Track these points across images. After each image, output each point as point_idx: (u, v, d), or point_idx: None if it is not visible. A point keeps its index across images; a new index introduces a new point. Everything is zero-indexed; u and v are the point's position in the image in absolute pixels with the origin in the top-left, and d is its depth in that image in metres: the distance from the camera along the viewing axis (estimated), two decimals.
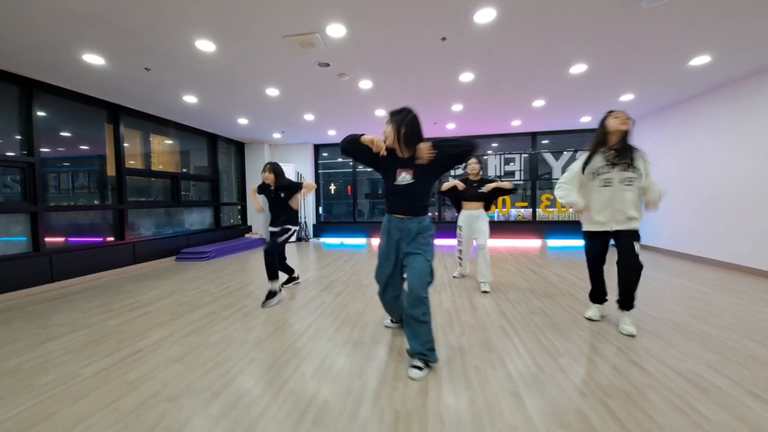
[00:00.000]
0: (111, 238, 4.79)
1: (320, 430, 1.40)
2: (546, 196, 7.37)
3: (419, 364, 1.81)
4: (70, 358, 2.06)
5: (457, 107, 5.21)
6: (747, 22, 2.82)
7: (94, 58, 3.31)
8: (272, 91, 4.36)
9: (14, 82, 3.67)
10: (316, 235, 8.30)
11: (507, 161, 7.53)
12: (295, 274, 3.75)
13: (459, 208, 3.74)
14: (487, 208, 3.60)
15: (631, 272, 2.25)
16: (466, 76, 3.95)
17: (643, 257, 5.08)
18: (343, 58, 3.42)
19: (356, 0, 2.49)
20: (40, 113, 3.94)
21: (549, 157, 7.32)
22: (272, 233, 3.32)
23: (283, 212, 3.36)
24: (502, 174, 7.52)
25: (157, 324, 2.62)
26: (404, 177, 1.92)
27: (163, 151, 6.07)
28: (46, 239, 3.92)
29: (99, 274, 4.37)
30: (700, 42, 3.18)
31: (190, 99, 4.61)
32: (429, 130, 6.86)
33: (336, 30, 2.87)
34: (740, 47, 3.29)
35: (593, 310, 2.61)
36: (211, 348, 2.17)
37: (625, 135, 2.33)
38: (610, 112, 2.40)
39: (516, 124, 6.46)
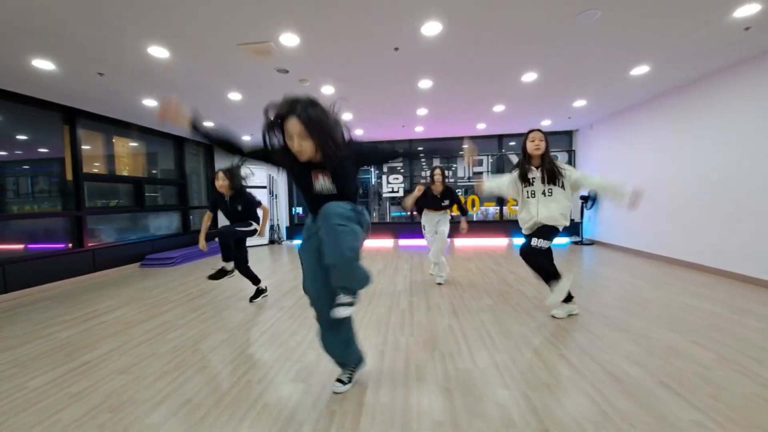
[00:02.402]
0: (70, 244, 4.66)
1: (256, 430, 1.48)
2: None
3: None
4: (15, 372, 2.05)
5: (422, 111, 5.34)
6: (681, 35, 3.04)
7: (44, 63, 3.23)
8: (234, 96, 4.35)
9: None
10: (290, 237, 8.28)
11: (476, 162, 7.77)
12: (262, 285, 3.46)
13: (420, 212, 3.91)
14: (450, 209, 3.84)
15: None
16: (425, 83, 4.08)
17: (597, 253, 5.45)
18: (301, 65, 3.48)
19: (305, 12, 2.55)
20: None
21: (514, 158, 7.60)
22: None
23: (241, 221, 3.24)
24: (471, 175, 7.75)
25: (109, 334, 2.62)
26: (323, 184, 1.57)
27: (127, 153, 5.92)
28: (1, 247, 3.79)
29: (57, 283, 4.26)
30: (638, 53, 3.42)
31: (150, 103, 4.53)
32: (397, 133, 7.00)
33: (290, 39, 2.93)
34: (676, 58, 3.55)
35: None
36: (162, 357, 2.20)
37: (543, 156, 2.58)
38: (529, 133, 2.63)
39: (481, 127, 6.68)
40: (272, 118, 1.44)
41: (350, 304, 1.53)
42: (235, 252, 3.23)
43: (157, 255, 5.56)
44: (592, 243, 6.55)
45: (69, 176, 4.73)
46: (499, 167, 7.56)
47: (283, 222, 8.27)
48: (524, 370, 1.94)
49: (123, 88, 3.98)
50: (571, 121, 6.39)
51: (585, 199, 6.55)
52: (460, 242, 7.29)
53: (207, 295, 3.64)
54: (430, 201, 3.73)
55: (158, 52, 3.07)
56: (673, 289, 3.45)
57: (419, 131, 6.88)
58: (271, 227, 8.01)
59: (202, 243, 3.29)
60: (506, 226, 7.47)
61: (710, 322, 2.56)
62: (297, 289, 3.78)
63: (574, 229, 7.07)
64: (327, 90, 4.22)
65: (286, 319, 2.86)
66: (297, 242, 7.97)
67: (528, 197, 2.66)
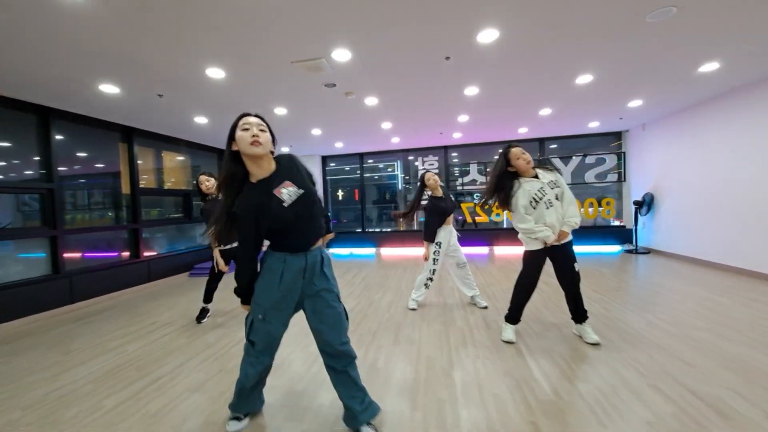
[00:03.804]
0: (126, 254, 4.89)
1: None
2: None
3: (371, 430, 1.57)
4: (92, 389, 2.11)
5: (462, 118, 5.21)
6: (757, 28, 2.78)
7: (109, 88, 3.41)
8: (280, 110, 4.43)
9: (31, 111, 3.79)
10: (326, 245, 8.33)
11: None
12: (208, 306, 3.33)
13: (440, 225, 3.30)
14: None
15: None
16: (471, 90, 3.96)
17: (656, 264, 5.04)
18: (349, 78, 3.47)
19: (360, 27, 2.53)
20: (58, 137, 4.07)
21: (558, 162, 7.26)
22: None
23: None
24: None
25: (174, 348, 2.67)
26: (289, 190, 1.43)
27: (174, 167, 6.20)
28: (65, 255, 4.03)
29: (116, 293, 4.47)
30: (708, 50, 3.15)
31: (201, 120, 4.71)
32: (434, 140, 6.90)
33: (341, 54, 2.92)
34: (750, 54, 3.25)
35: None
36: (231, 373, 2.20)
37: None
38: (510, 149, 2.48)
39: (523, 131, 6.44)
40: (231, 127, 1.43)
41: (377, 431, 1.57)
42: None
43: (204, 264, 5.74)
44: (647, 252, 6.09)
45: (125, 190, 5.00)
46: None
47: None
48: (616, 403, 1.76)
49: (178, 107, 4.15)
50: (622, 122, 6.02)
51: (639, 204, 6.12)
52: (500, 250, 7.04)
53: None
54: (441, 208, 3.24)
55: (215, 72, 3.16)
56: (762, 306, 3.09)
57: (457, 137, 6.74)
58: None
59: (221, 263, 3.09)
60: None
61: None
62: (345, 302, 3.72)
63: (626, 236, 6.63)
64: (371, 101, 4.21)
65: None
66: (332, 251, 8.01)
67: (547, 208, 2.41)
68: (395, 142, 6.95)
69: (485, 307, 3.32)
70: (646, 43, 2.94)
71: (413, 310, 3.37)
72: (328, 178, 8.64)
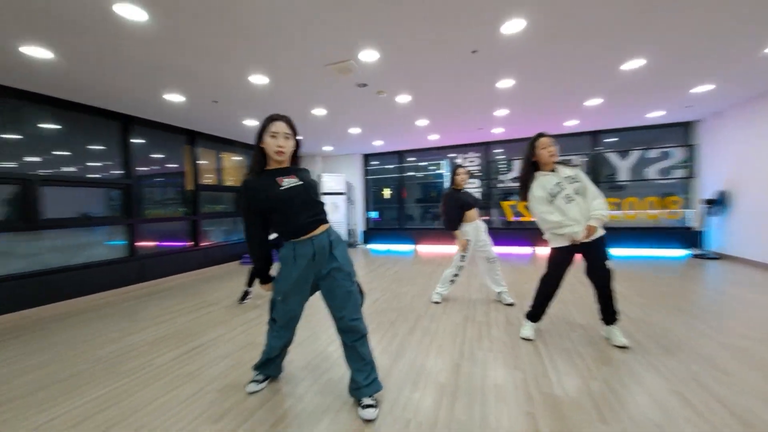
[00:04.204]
0: (189, 243, 5.57)
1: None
2: (611, 200, 6.70)
3: (371, 402, 1.67)
4: (147, 349, 2.51)
5: (501, 112, 5.06)
6: None
7: (174, 97, 3.94)
8: (319, 111, 4.71)
9: (116, 118, 4.51)
10: (366, 241, 8.59)
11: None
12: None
13: (460, 220, 3.33)
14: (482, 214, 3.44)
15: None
16: (506, 83, 3.85)
17: (728, 270, 4.42)
18: (379, 77, 3.60)
19: (385, 28, 2.64)
20: (136, 141, 4.78)
21: (613, 156, 6.66)
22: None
23: None
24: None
25: (217, 323, 3.03)
26: (289, 181, 1.67)
27: (231, 166, 6.88)
28: (140, 243, 4.73)
29: (178, 276, 5.12)
30: None
31: (250, 122, 5.19)
32: (474, 136, 6.75)
33: (369, 55, 3.05)
34: None
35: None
36: (258, 347, 2.44)
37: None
38: (539, 139, 2.44)
39: (571, 125, 6.03)
40: (261, 127, 1.72)
41: (375, 406, 1.66)
42: None
43: None
44: (718, 257, 5.35)
45: (189, 186, 5.68)
46: (595, 168, 6.70)
47: (360, 226, 8.62)
48: (627, 404, 1.66)
49: (230, 112, 4.63)
50: (691, 111, 5.36)
51: (711, 203, 5.40)
52: (542, 251, 6.67)
53: None
54: (462, 201, 3.28)
55: (258, 79, 3.50)
56: None
57: (498, 133, 6.53)
58: (348, 231, 8.44)
59: None
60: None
61: None
62: (372, 293, 3.87)
63: (694, 239, 5.88)
64: (403, 99, 4.29)
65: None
66: (371, 246, 8.23)
67: (567, 203, 2.30)
68: (434, 139, 6.94)
69: (511, 304, 3.24)
70: (707, 16, 2.63)
71: (436, 303, 3.40)
72: (368, 177, 8.86)
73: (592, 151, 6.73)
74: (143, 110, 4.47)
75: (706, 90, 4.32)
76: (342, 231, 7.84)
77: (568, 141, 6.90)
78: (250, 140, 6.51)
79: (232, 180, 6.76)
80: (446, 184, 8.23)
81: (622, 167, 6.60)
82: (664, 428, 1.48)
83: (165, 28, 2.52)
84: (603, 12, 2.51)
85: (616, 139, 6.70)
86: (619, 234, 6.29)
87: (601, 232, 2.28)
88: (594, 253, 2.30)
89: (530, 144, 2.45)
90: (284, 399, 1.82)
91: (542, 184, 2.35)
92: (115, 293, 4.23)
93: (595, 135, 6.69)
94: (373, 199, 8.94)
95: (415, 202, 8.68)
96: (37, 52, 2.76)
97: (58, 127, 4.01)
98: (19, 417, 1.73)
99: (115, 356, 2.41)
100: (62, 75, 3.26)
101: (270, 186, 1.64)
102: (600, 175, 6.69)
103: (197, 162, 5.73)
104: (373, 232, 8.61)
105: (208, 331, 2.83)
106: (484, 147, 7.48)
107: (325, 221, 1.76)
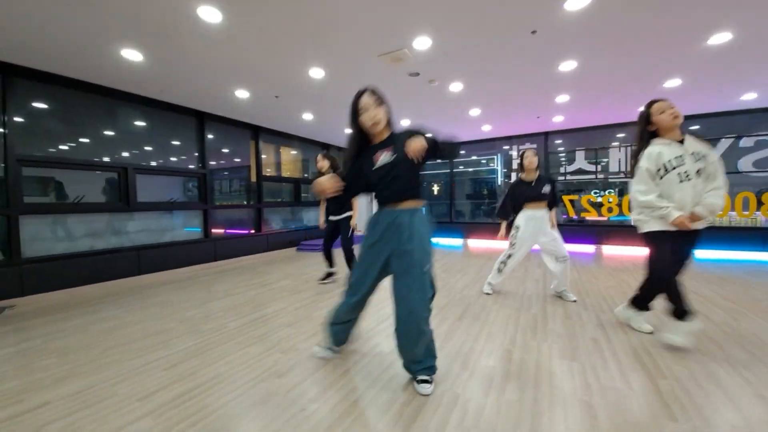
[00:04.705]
0: (252, 231, 6.10)
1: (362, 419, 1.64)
2: None
3: (426, 377, 1.68)
4: (222, 315, 2.84)
5: (562, 98, 4.77)
6: None
7: (242, 93, 4.34)
8: None
9: (192, 114, 5.07)
10: None
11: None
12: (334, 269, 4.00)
13: (515, 210, 3.22)
14: (550, 207, 3.15)
15: None
16: (568, 65, 3.63)
17: None
18: (432, 66, 3.61)
19: (439, 13, 2.65)
20: (209, 135, 5.34)
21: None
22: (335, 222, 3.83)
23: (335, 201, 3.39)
24: (628, 169, 6.42)
25: (278, 298, 3.32)
26: (384, 158, 1.68)
27: (289, 159, 7.36)
28: (213, 229, 5.29)
29: (244, 257, 5.64)
30: None
31: (307, 116, 5.50)
32: (532, 125, 6.42)
33: (422, 42, 3.08)
34: None
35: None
36: (314, 320, 2.66)
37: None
38: (655, 103, 2.09)
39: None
40: (351, 109, 1.75)
41: (429, 382, 1.67)
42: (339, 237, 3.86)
43: (309, 242, 6.69)
44: None
45: (253, 178, 6.20)
46: None
47: None
48: (701, 403, 1.52)
49: (290, 106, 4.96)
50: None
51: None
52: (608, 250, 6.16)
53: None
54: (525, 190, 3.11)
55: (316, 72, 3.71)
56: None
57: (558, 121, 6.14)
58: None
59: (322, 220, 4.05)
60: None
61: None
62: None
63: None
64: (455, 87, 4.25)
65: None
66: None
67: (680, 182, 1.98)
68: (487, 130, 6.74)
69: (574, 301, 3.08)
70: None
71: (487, 294, 3.34)
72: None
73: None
74: (215, 106, 4.97)
75: None
76: None
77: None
78: (307, 134, 6.98)
79: (288, 172, 7.22)
80: (499, 180, 7.92)
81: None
82: (741, 430, 1.34)
83: (236, 26, 2.78)
84: None
85: (697, 127, 5.93)
86: (708, 234, 5.57)
87: (702, 225, 2.00)
88: (684, 245, 2.04)
89: (643, 113, 2.12)
90: (346, 359, 1.96)
91: (653, 154, 2.01)
92: (193, 270, 4.80)
93: None
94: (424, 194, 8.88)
95: (465, 199, 8.44)
96: (130, 54, 3.20)
97: (144, 123, 4.61)
98: (122, 359, 2.08)
99: (197, 318, 2.77)
100: (149, 75, 3.74)
101: (365, 163, 1.74)
102: None
103: (260, 156, 6.21)
104: None
105: (271, 304, 3.11)
106: (543, 137, 7.07)
107: (414, 197, 1.72)
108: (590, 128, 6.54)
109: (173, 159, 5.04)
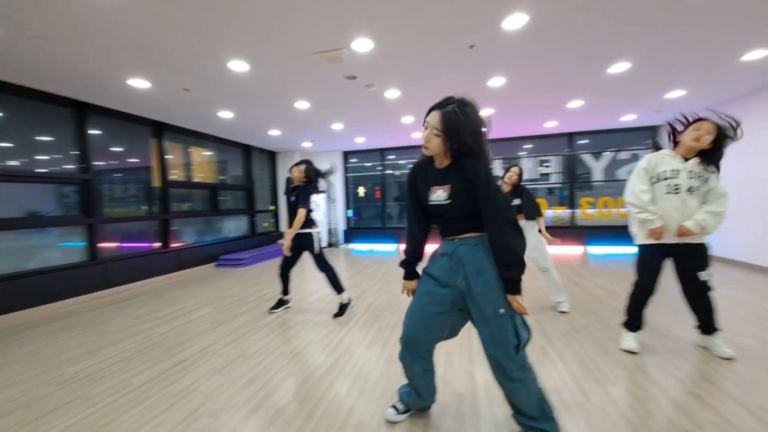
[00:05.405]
0: (157, 244, 5.11)
1: None
2: (586, 199, 6.98)
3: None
4: (122, 367, 2.21)
5: (486, 111, 5.07)
6: None
7: (139, 82, 3.55)
8: (302, 104, 4.47)
9: (69, 105, 4.01)
10: (347, 240, 8.39)
11: (541, 163, 7.23)
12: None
13: None
14: (529, 217, 3.05)
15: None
16: (496, 81, 3.83)
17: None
18: (370, 70, 3.44)
19: (382, 16, 2.49)
20: (94, 132, 4.29)
21: (588, 157, 6.94)
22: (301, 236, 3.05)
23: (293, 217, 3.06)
24: (538, 177, 7.23)
25: (199, 333, 2.75)
26: (439, 195, 1.42)
27: (202, 161, 6.41)
28: (101, 245, 4.25)
29: (148, 280, 4.68)
30: (755, 37, 2.89)
31: (225, 114, 4.83)
32: None
33: (362, 44, 2.89)
34: None
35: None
36: (249, 360, 2.24)
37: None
38: (695, 122, 2.07)
39: (551, 125, 6.19)
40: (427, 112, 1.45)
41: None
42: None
43: (229, 256, 5.91)
44: None
45: (156, 183, 5.21)
46: (570, 167, 6.95)
47: (341, 225, 8.40)
48: (652, 409, 1.64)
49: (203, 102, 4.27)
50: (659, 115, 5.65)
51: None
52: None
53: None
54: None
55: (238, 65, 3.21)
56: None
57: None
58: (329, 230, 8.20)
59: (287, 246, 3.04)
60: (580, 232, 6.80)
61: None
62: (365, 296, 3.73)
63: None
64: (392, 94, 4.16)
65: (360, 327, 2.80)
66: (353, 246, 8.04)
67: (667, 192, 2.07)
68: (417, 137, 6.88)
69: (562, 312, 3.03)
70: (687, 27, 2.73)
71: None
72: (348, 175, 8.65)
73: (569, 151, 6.96)
74: (102, 97, 3.99)
75: (678, 95, 4.55)
76: (323, 230, 7.60)
77: (545, 142, 7.13)
78: (224, 134, 6.18)
79: (200, 177, 6.29)
80: None
81: (596, 168, 6.90)
82: None
83: None
84: (600, 14, 2.52)
85: (587, 141, 6.99)
86: (600, 232, 6.58)
87: (698, 239, 2.06)
88: (686, 259, 2.08)
89: (686, 122, 2.11)
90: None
91: (653, 159, 2.12)
92: (74, 302, 3.77)
93: (571, 136, 6.93)
94: (351, 198, 8.75)
95: (393, 201, 8.57)
96: None
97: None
98: None
99: (85, 376, 2.10)
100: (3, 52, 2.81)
101: (425, 190, 1.48)
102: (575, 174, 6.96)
103: (165, 158, 5.26)
104: (353, 232, 8.42)
105: (190, 343, 2.55)
106: None
107: (475, 230, 1.41)
108: (506, 139, 7.19)
109: (42, 157, 3.90)
